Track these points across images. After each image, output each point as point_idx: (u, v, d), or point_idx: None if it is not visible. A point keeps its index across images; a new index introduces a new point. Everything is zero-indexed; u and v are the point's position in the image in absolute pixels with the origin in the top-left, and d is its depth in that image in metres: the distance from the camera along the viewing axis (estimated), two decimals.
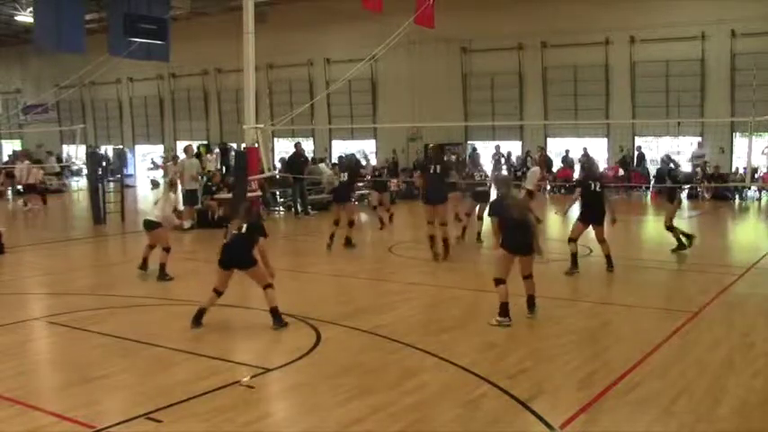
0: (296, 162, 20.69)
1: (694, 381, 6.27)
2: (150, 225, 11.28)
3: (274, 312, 8.03)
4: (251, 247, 8.06)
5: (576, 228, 11.36)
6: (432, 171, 12.66)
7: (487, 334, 7.80)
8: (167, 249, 11.19)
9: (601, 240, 11.21)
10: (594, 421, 5.43)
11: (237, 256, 8.02)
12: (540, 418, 5.40)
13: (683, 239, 13.02)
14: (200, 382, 6.19)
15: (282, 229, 18.54)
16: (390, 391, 5.99)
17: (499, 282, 8.04)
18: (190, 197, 17.40)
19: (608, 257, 11.19)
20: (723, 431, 5.32)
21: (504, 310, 8.00)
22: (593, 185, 11.22)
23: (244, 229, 8.10)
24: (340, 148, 32.14)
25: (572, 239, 11.22)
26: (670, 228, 13.14)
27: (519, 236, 8.06)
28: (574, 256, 11.12)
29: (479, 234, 14.05)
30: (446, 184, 12.86)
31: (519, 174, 17.74)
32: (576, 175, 24.67)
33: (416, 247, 13.92)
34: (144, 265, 11.29)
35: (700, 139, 25.13)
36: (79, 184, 32.07)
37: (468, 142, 29.01)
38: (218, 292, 8.05)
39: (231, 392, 6.03)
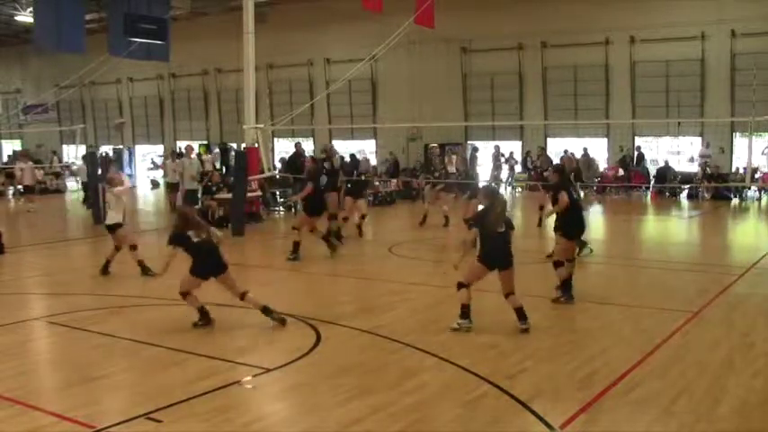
0: (296, 162, 20.72)
1: (694, 381, 6.27)
2: (109, 228, 11.23)
3: (266, 310, 8.02)
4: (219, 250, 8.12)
5: (569, 247, 9.52)
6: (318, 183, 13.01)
7: (487, 334, 7.80)
8: (134, 247, 11.19)
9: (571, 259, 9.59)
10: (594, 421, 5.43)
11: (214, 263, 8.04)
12: (540, 418, 5.40)
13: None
14: (200, 382, 6.19)
15: (282, 229, 18.51)
16: (390, 391, 5.99)
17: (462, 286, 7.86)
18: (190, 197, 17.40)
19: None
20: (723, 431, 5.32)
21: (464, 312, 7.85)
22: (574, 193, 9.77)
23: (206, 236, 8.12)
24: (340, 148, 32.09)
25: (569, 260, 9.40)
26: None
27: (498, 249, 7.77)
28: (567, 281, 9.29)
29: None
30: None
31: (545, 174, 17.15)
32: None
33: (416, 247, 13.93)
34: (105, 270, 11.16)
35: (703, 139, 25.13)
36: (79, 184, 32.04)
37: (469, 142, 29.00)
38: (187, 294, 8.12)
39: (231, 392, 6.03)
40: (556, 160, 26.93)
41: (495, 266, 7.79)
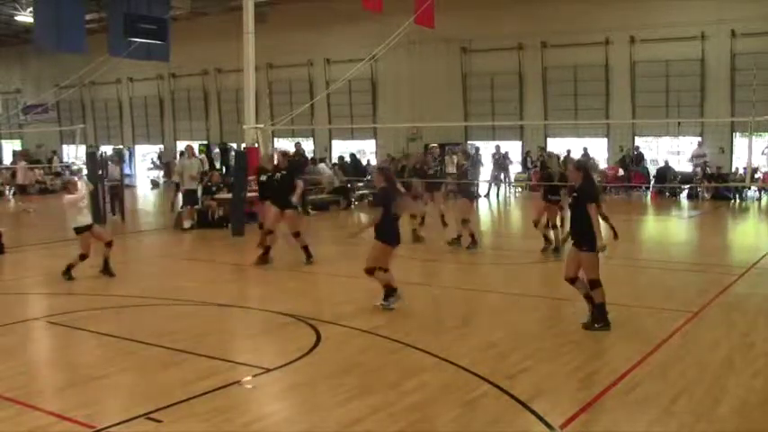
0: (297, 162, 20.74)
1: (694, 381, 6.27)
2: (79, 231, 11.01)
3: None
4: None
5: (598, 261, 7.96)
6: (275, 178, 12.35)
7: (487, 334, 7.81)
8: (109, 244, 11.12)
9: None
10: (594, 421, 5.43)
11: None
12: (540, 418, 5.40)
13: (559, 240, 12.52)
14: (200, 382, 6.18)
15: (282, 229, 18.51)
16: (390, 391, 5.99)
17: (371, 271, 8.70)
18: (190, 197, 17.39)
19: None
20: (723, 431, 5.32)
21: (390, 291, 8.77)
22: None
23: None
24: (340, 148, 32.15)
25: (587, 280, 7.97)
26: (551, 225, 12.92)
27: (395, 229, 8.76)
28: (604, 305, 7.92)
29: (474, 236, 13.79)
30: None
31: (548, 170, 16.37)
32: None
33: (416, 247, 13.92)
34: (69, 273, 10.93)
35: (699, 139, 25.16)
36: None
37: (469, 142, 29.00)
38: None
39: (231, 392, 6.03)
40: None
41: (397, 244, 8.75)
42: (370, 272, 8.72)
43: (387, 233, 8.68)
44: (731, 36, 24.14)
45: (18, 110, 37.83)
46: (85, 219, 11.04)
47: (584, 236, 7.81)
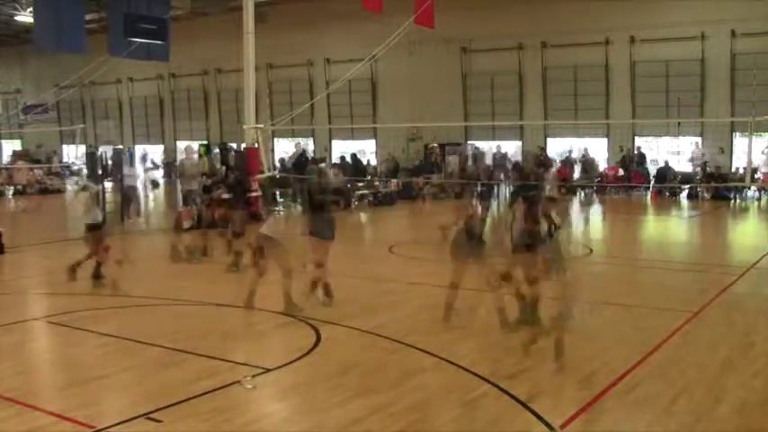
0: (299, 162, 20.80)
1: (694, 381, 6.27)
2: (92, 228, 10.92)
3: None
4: None
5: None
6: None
7: (487, 334, 7.80)
8: (107, 248, 10.94)
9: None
10: (594, 421, 5.43)
11: None
12: (540, 418, 5.40)
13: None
14: (200, 382, 6.19)
15: (283, 229, 18.49)
16: (390, 391, 5.99)
17: (319, 266, 9.01)
18: (190, 197, 17.35)
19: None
20: (723, 431, 5.32)
21: (324, 288, 9.10)
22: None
23: None
24: (340, 148, 32.13)
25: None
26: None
27: (330, 226, 9.10)
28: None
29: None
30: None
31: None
32: (577, 175, 24.72)
33: (416, 247, 13.93)
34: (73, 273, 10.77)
35: (699, 139, 25.17)
36: (79, 183, 32.00)
37: (469, 142, 29.01)
38: None
39: (231, 392, 6.03)
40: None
41: (329, 239, 9.02)
42: (316, 265, 9.12)
43: (317, 228, 9.06)
44: (731, 36, 24.13)
45: (18, 110, 37.82)
46: (98, 216, 11.06)
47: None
